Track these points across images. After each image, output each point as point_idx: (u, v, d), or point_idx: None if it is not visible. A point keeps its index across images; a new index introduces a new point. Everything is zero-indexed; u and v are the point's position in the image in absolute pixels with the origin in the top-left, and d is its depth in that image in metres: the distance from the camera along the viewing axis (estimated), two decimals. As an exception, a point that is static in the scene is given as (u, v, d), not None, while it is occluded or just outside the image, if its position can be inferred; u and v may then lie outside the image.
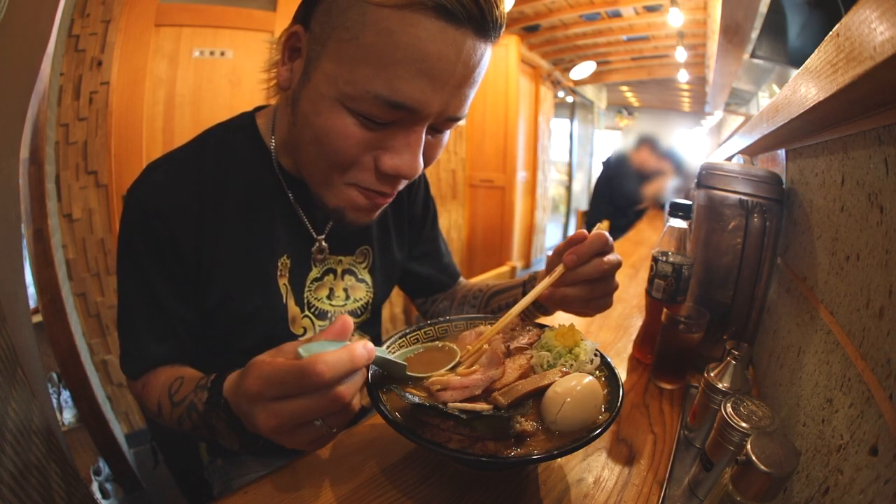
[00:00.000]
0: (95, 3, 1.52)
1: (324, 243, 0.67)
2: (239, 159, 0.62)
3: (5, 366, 0.46)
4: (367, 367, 0.49)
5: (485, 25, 0.44)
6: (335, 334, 0.39)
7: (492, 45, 0.47)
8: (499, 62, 3.70)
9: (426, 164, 0.53)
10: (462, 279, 0.92)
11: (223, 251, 0.60)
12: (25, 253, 1.23)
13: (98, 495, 1.26)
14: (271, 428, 0.36)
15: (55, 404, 1.33)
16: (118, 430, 1.60)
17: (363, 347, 0.37)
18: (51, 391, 1.33)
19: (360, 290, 0.73)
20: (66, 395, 1.42)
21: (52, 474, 0.49)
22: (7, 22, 0.47)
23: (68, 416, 1.42)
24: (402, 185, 0.55)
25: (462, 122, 0.54)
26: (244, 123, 0.64)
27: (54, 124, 1.48)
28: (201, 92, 1.81)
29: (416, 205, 0.82)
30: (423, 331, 0.58)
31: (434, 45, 0.42)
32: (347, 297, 0.72)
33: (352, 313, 0.73)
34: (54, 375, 1.38)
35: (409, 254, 0.84)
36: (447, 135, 0.55)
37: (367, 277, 0.74)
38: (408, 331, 0.56)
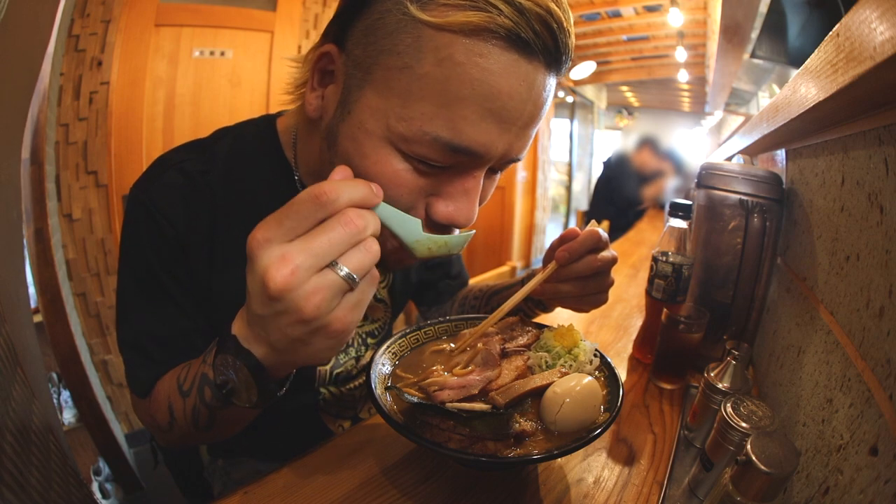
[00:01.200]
0: (95, 3, 1.52)
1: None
2: (256, 170, 0.56)
3: (5, 366, 0.46)
4: (369, 369, 0.49)
5: (557, 57, 0.39)
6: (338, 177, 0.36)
7: (557, 79, 0.42)
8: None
9: (480, 204, 0.47)
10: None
11: (236, 272, 0.54)
12: (26, 253, 1.23)
13: (98, 495, 1.26)
14: (285, 279, 0.31)
15: (55, 404, 1.33)
16: (118, 430, 1.60)
17: (371, 185, 0.35)
18: (51, 391, 1.33)
19: (378, 311, 0.72)
20: (66, 395, 1.42)
21: (52, 474, 0.49)
22: (7, 22, 0.47)
23: (68, 416, 1.42)
24: (456, 232, 0.48)
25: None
26: (263, 133, 0.58)
27: (54, 124, 1.48)
28: (201, 92, 1.81)
29: None
30: (423, 331, 0.58)
31: (506, 81, 0.37)
32: (366, 319, 0.69)
33: (369, 334, 0.71)
34: (54, 375, 1.38)
35: (423, 265, 0.83)
36: (500, 175, 0.50)
37: (386, 297, 0.73)
38: (408, 330, 0.56)
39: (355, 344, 0.69)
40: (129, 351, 0.54)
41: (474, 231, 0.46)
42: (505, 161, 0.43)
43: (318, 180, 0.55)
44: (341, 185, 0.33)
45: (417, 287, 0.84)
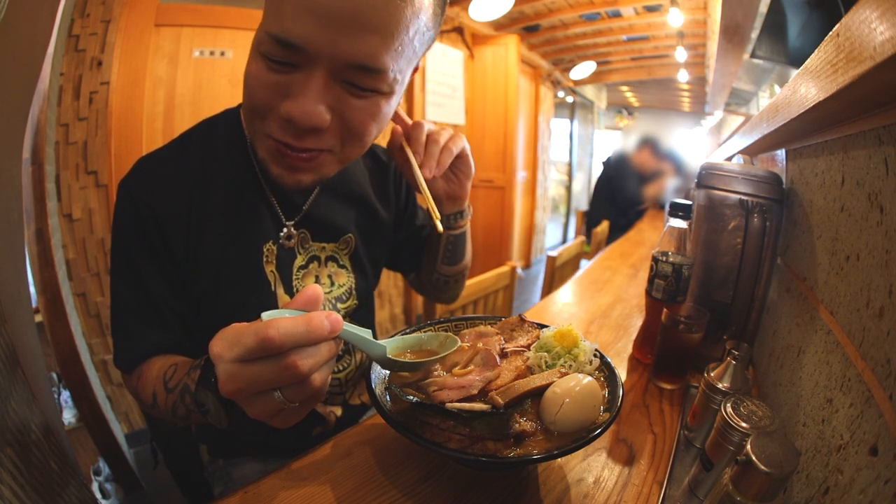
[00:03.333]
0: (95, 3, 1.52)
1: (293, 229, 0.68)
2: (221, 149, 0.64)
3: (5, 366, 0.46)
4: (369, 370, 0.49)
5: None
6: (302, 303, 0.37)
7: None
8: (499, 62, 3.70)
9: (353, 129, 0.52)
10: None
11: (210, 239, 0.61)
12: (26, 253, 1.23)
13: (98, 495, 1.26)
14: (230, 392, 0.35)
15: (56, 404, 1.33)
16: (118, 430, 1.60)
17: (326, 318, 0.35)
18: (52, 391, 1.32)
19: (342, 276, 0.75)
20: (66, 395, 1.42)
21: (52, 474, 0.49)
22: (7, 22, 0.47)
23: (68, 416, 1.42)
24: (310, 143, 0.51)
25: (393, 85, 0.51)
26: (227, 116, 0.67)
27: (54, 124, 1.48)
28: (201, 92, 1.81)
29: (401, 198, 0.85)
30: (422, 331, 0.58)
31: None
32: (332, 284, 0.73)
33: (338, 299, 0.73)
34: (54, 375, 1.38)
35: (395, 238, 0.86)
36: (381, 102, 0.52)
37: (348, 263, 0.76)
38: (408, 330, 0.56)
39: (327, 309, 0.70)
40: (114, 329, 0.61)
41: (444, 354, 0.46)
42: (352, 67, 0.46)
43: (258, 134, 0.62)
44: (286, 333, 0.34)
45: (395, 254, 0.86)
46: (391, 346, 0.45)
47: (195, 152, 0.63)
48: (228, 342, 0.35)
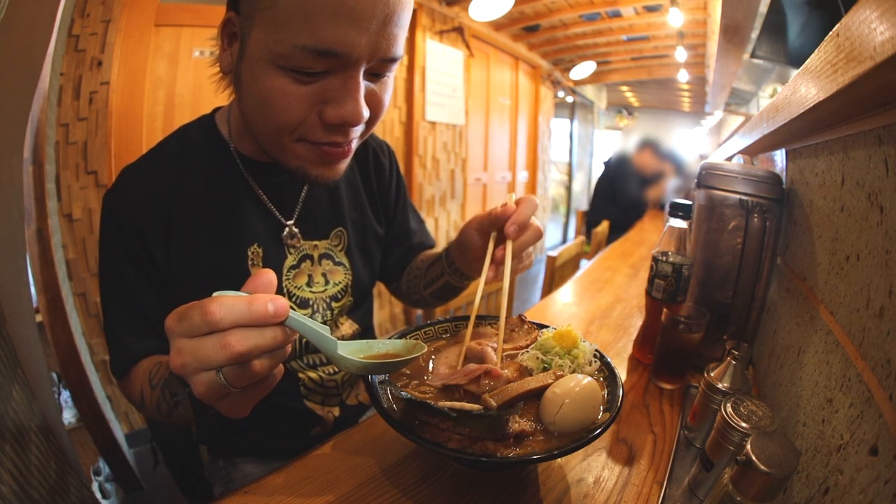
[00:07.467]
0: (95, 3, 1.52)
1: (294, 228, 0.68)
2: (199, 155, 0.64)
3: (5, 366, 0.46)
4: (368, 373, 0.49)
5: None
6: (251, 287, 0.37)
7: None
8: (499, 62, 3.70)
9: (374, 111, 0.53)
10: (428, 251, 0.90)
11: (192, 244, 0.62)
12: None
13: (98, 495, 1.26)
14: (176, 367, 0.35)
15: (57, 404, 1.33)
16: (118, 430, 1.60)
17: (271, 301, 0.35)
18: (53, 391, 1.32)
19: (338, 274, 0.74)
20: (66, 395, 1.42)
21: (52, 474, 0.49)
22: (7, 22, 0.47)
23: (68, 416, 1.42)
24: (355, 134, 0.54)
25: (393, 66, 0.53)
26: (202, 121, 0.67)
27: (54, 124, 1.48)
28: (201, 92, 1.81)
29: (391, 189, 0.83)
30: (422, 331, 0.58)
31: None
32: (327, 282, 0.72)
33: (333, 298, 0.72)
34: (54, 375, 1.38)
35: (385, 238, 0.84)
36: (391, 80, 0.55)
37: (345, 259, 0.75)
38: (408, 331, 0.56)
39: (320, 309, 0.71)
40: (108, 338, 0.62)
41: (407, 358, 0.44)
42: (381, 60, 0.49)
43: (242, 138, 0.63)
44: (227, 308, 0.33)
45: (383, 258, 0.85)
46: (353, 348, 0.43)
47: (171, 161, 0.63)
48: (179, 316, 0.35)
